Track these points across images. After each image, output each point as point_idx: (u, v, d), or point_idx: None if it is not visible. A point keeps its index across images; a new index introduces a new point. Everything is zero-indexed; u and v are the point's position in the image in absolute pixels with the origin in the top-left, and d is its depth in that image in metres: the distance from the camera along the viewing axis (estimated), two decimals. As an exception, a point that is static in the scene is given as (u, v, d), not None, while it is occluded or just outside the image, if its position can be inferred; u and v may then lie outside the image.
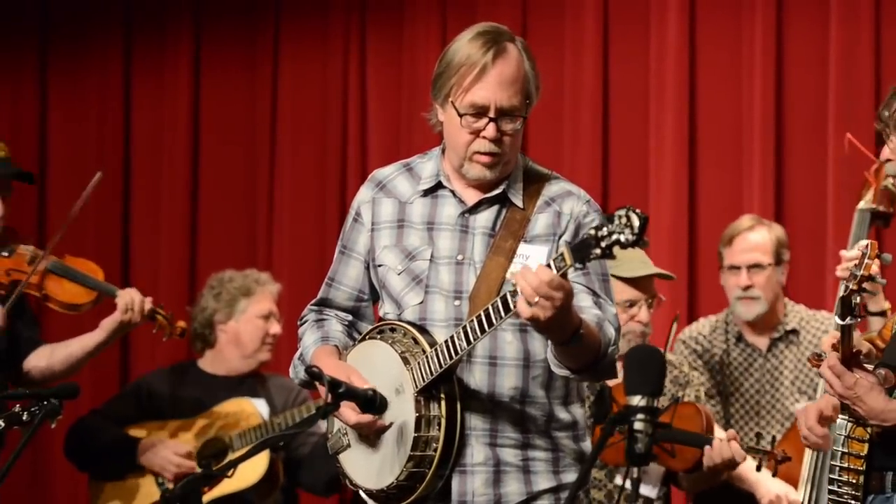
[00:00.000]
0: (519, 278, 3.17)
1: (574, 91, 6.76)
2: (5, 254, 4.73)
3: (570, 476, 3.50)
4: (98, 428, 5.56)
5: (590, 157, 6.70)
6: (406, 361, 3.41)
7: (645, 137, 6.62)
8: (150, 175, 7.55)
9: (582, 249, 3.09)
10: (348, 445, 3.53)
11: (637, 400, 2.96)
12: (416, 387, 3.39)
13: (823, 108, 6.36)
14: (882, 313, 4.49)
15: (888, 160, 3.65)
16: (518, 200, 3.50)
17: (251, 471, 5.34)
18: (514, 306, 3.22)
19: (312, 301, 3.69)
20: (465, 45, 3.45)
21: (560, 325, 3.23)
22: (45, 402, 4.04)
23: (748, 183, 6.44)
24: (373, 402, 3.56)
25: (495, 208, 3.51)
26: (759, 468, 4.52)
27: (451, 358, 3.35)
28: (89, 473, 5.64)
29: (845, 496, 3.53)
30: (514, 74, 3.43)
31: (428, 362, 3.39)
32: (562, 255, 3.14)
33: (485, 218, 3.51)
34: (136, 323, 4.77)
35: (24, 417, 4.05)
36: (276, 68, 7.36)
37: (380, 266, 3.56)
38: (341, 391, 3.50)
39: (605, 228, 3.03)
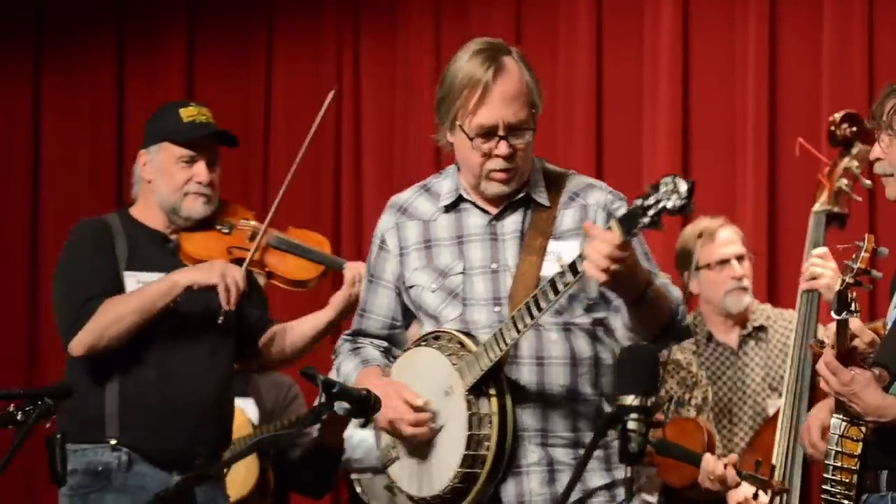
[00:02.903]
0: (590, 251, 3.15)
1: (568, 90, 6.76)
2: (225, 230, 4.41)
3: (621, 472, 3.46)
4: None
5: (583, 157, 6.70)
6: (454, 362, 3.39)
7: (638, 136, 6.62)
8: (144, 175, 7.55)
9: (630, 219, 3.09)
10: (397, 458, 3.50)
11: (630, 399, 2.95)
12: (466, 385, 3.37)
13: (817, 107, 6.36)
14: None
15: (878, 159, 3.65)
16: (542, 199, 3.50)
17: (243, 482, 5.30)
18: (568, 281, 3.23)
19: (345, 332, 3.68)
20: (464, 66, 3.42)
21: (632, 279, 3.24)
22: (39, 403, 4.04)
23: (741, 182, 6.45)
24: (367, 403, 3.55)
25: (521, 210, 3.50)
26: (755, 496, 4.53)
27: (500, 350, 3.33)
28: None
29: (838, 496, 3.51)
30: (517, 89, 3.41)
31: (477, 360, 3.37)
32: (609, 228, 3.14)
33: (512, 221, 3.50)
34: None
35: (19, 417, 4.05)
36: (269, 67, 7.36)
37: (412, 287, 3.54)
38: (335, 391, 3.50)
39: (651, 197, 3.04)
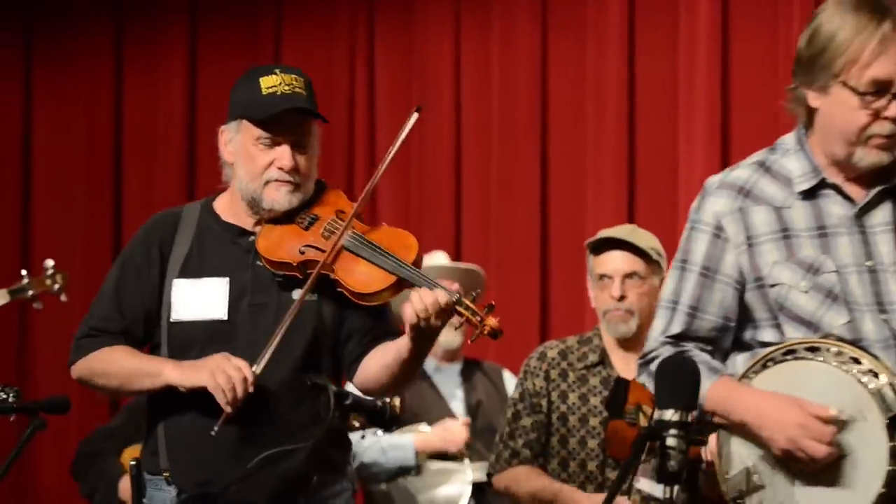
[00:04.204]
0: None
1: (598, 82, 6.73)
2: (304, 225, 3.81)
3: None
4: (97, 452, 5.54)
5: (615, 151, 6.67)
6: (862, 381, 3.12)
7: (674, 131, 6.58)
8: (144, 170, 7.54)
9: None
10: (761, 486, 3.22)
11: (669, 414, 2.90)
12: (887, 412, 3.11)
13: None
14: None
15: None
16: None
17: None
18: None
19: (662, 333, 3.35)
20: (847, 18, 3.19)
21: None
22: (34, 417, 4.04)
23: (785, 179, 6.40)
24: (382, 415, 3.49)
25: (888, 200, 3.28)
26: None
27: None
28: (89, 499, 5.63)
29: None
30: None
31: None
32: None
33: (882, 213, 3.27)
34: (436, 324, 3.59)
35: None
36: (278, 58, 7.35)
37: (775, 286, 3.24)
38: (347, 403, 3.44)
39: None
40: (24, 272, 5.65)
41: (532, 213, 6.85)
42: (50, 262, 5.71)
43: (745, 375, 3.24)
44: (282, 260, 3.74)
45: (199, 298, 3.78)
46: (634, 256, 4.73)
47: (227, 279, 3.77)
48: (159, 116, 7.51)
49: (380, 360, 3.71)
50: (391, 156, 3.80)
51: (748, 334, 3.30)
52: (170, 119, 7.47)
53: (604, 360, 4.75)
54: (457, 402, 5.73)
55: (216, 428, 3.61)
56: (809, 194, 3.28)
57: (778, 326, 3.26)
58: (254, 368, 3.62)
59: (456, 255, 6.65)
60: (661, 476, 2.91)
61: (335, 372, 3.77)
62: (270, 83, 3.78)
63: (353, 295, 3.69)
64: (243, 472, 3.54)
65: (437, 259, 5.99)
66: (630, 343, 4.74)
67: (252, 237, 3.80)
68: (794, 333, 3.23)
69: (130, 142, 7.61)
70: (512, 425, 4.76)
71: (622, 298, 4.71)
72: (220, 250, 3.82)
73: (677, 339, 3.33)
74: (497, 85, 6.97)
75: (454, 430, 5.62)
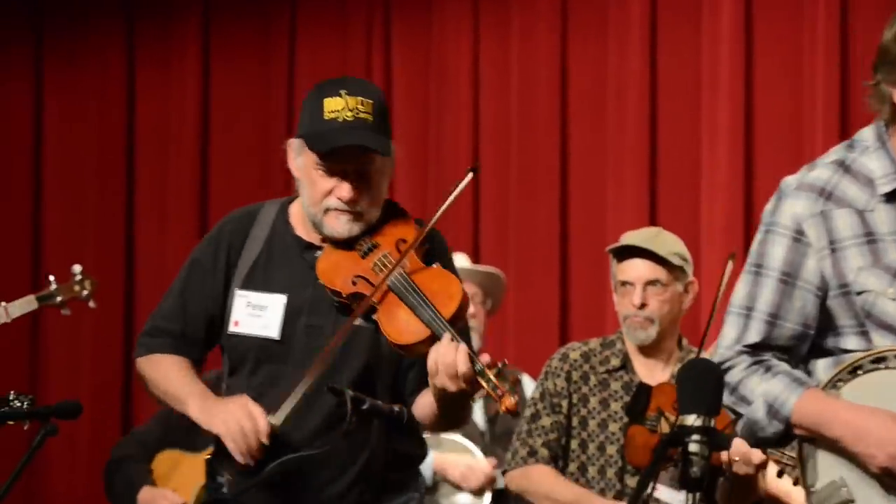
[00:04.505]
0: None
1: (619, 82, 6.71)
2: (361, 253, 3.69)
3: None
4: (124, 458, 5.57)
5: (636, 152, 6.65)
6: None
7: (696, 132, 6.56)
8: (156, 169, 7.53)
9: None
10: (850, 500, 3.15)
11: (692, 419, 2.85)
12: None
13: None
14: None
15: None
16: None
17: None
18: None
19: (737, 342, 3.25)
20: None
21: None
22: (45, 422, 4.03)
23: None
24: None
25: None
26: (780, 474, 4.45)
27: None
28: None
29: None
30: None
31: None
32: None
33: None
34: (451, 388, 3.38)
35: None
36: (292, 56, 7.35)
37: (861, 293, 3.16)
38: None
39: None
40: (51, 278, 5.63)
41: (552, 214, 6.83)
42: (78, 268, 5.70)
43: (832, 384, 3.16)
44: (335, 288, 3.63)
45: (255, 314, 3.70)
46: (656, 264, 4.73)
47: (285, 296, 3.69)
48: (172, 115, 7.50)
49: (425, 403, 3.60)
50: (442, 210, 3.61)
51: (830, 342, 3.22)
52: (182, 118, 7.47)
53: (626, 365, 4.76)
54: (475, 408, 5.72)
55: (228, 477, 3.60)
56: (893, 196, 3.18)
57: (864, 334, 3.17)
58: (270, 418, 3.53)
59: (474, 257, 6.64)
60: (684, 482, 2.89)
61: (393, 400, 3.63)
62: (333, 107, 3.62)
63: (392, 344, 3.54)
64: (258, 479, 3.54)
65: (458, 261, 5.97)
66: (650, 350, 4.75)
67: (318, 252, 3.71)
68: (882, 341, 3.14)
69: (142, 141, 7.60)
70: (531, 424, 4.76)
71: (643, 306, 4.72)
72: (286, 263, 3.73)
73: (755, 348, 3.22)
74: (516, 85, 6.95)
75: (476, 471, 5.57)
